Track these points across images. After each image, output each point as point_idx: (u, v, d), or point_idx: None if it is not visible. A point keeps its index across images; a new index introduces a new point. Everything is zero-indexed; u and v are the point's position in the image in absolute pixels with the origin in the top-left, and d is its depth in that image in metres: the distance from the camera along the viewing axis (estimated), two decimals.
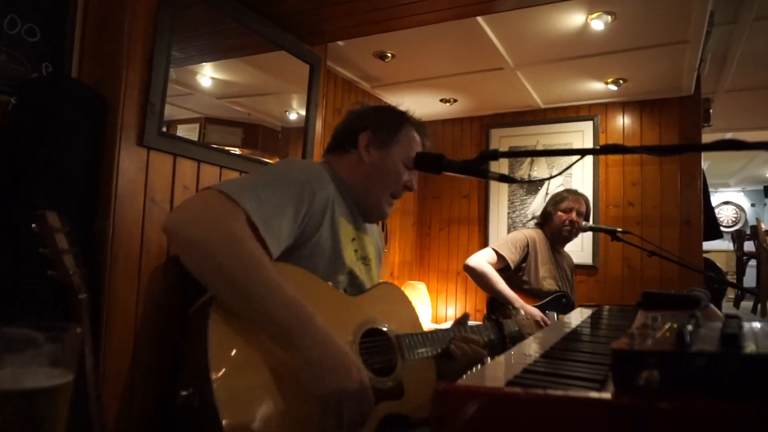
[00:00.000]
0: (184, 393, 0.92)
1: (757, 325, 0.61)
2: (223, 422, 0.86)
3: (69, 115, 1.31)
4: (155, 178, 1.44)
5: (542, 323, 2.40)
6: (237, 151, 1.92)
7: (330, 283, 1.19)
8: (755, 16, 2.86)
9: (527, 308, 2.43)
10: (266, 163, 1.92)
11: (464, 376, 0.55)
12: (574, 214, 2.64)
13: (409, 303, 1.42)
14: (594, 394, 0.47)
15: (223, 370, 0.91)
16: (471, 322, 1.46)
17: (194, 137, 1.79)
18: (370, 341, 1.19)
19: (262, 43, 1.91)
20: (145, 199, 1.41)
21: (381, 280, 1.42)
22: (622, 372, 0.47)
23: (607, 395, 0.47)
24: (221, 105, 1.99)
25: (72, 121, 1.31)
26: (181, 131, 1.73)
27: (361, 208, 1.34)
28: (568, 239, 2.73)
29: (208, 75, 1.89)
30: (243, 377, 0.94)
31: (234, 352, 0.95)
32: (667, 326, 0.60)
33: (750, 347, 0.46)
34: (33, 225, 1.04)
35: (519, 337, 1.61)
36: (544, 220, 2.76)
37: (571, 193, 2.74)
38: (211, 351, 0.91)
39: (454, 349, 1.29)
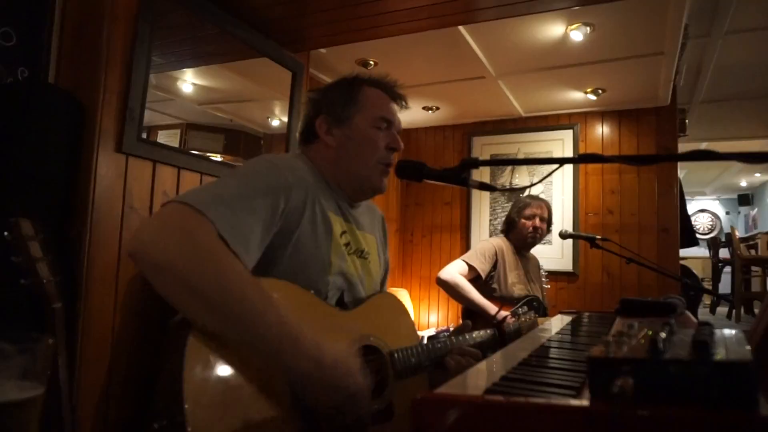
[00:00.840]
0: (155, 426, 0.84)
1: (727, 331, 0.62)
2: None
3: (44, 121, 1.28)
4: (134, 185, 1.42)
5: None
6: (218, 157, 1.91)
7: (321, 300, 1.12)
8: (726, 30, 2.96)
9: (501, 314, 2.46)
10: None
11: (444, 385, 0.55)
12: (537, 221, 2.71)
13: (406, 313, 1.36)
14: (572, 402, 0.48)
15: (199, 403, 0.83)
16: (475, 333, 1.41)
17: (175, 143, 1.77)
18: (362, 361, 1.12)
19: (244, 50, 1.91)
20: (124, 206, 1.39)
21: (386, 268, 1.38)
22: (598, 379, 0.48)
23: (584, 403, 0.47)
24: (203, 111, 1.97)
25: (47, 127, 1.29)
26: (162, 137, 1.70)
27: (350, 190, 1.25)
28: (533, 245, 2.79)
29: (189, 81, 1.88)
30: (221, 411, 0.86)
31: (212, 380, 0.87)
32: (642, 333, 0.61)
33: (720, 354, 0.47)
34: (5, 233, 1.02)
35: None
36: (508, 227, 2.82)
37: (534, 199, 2.80)
38: (186, 379, 0.82)
39: (449, 362, 1.24)
